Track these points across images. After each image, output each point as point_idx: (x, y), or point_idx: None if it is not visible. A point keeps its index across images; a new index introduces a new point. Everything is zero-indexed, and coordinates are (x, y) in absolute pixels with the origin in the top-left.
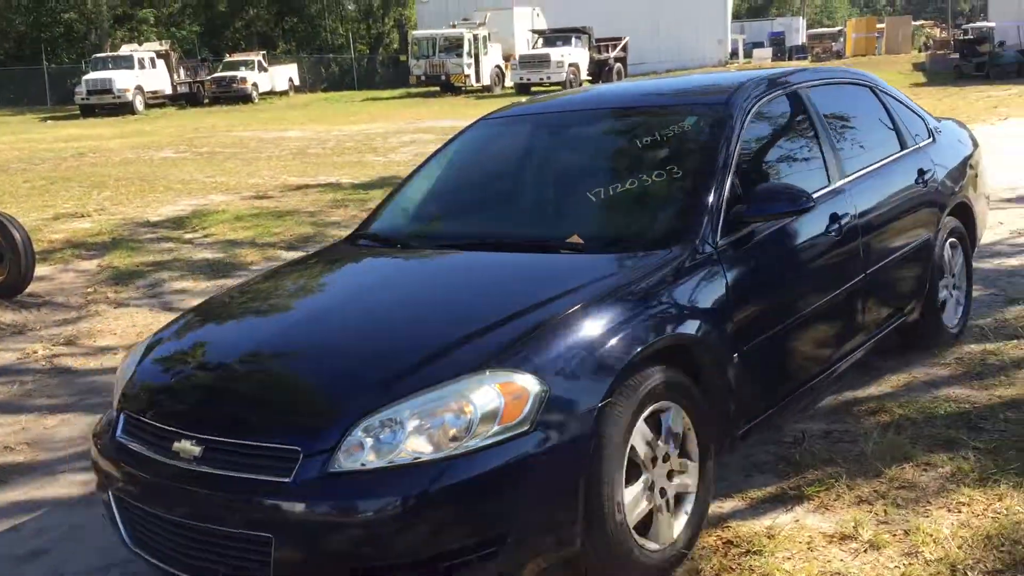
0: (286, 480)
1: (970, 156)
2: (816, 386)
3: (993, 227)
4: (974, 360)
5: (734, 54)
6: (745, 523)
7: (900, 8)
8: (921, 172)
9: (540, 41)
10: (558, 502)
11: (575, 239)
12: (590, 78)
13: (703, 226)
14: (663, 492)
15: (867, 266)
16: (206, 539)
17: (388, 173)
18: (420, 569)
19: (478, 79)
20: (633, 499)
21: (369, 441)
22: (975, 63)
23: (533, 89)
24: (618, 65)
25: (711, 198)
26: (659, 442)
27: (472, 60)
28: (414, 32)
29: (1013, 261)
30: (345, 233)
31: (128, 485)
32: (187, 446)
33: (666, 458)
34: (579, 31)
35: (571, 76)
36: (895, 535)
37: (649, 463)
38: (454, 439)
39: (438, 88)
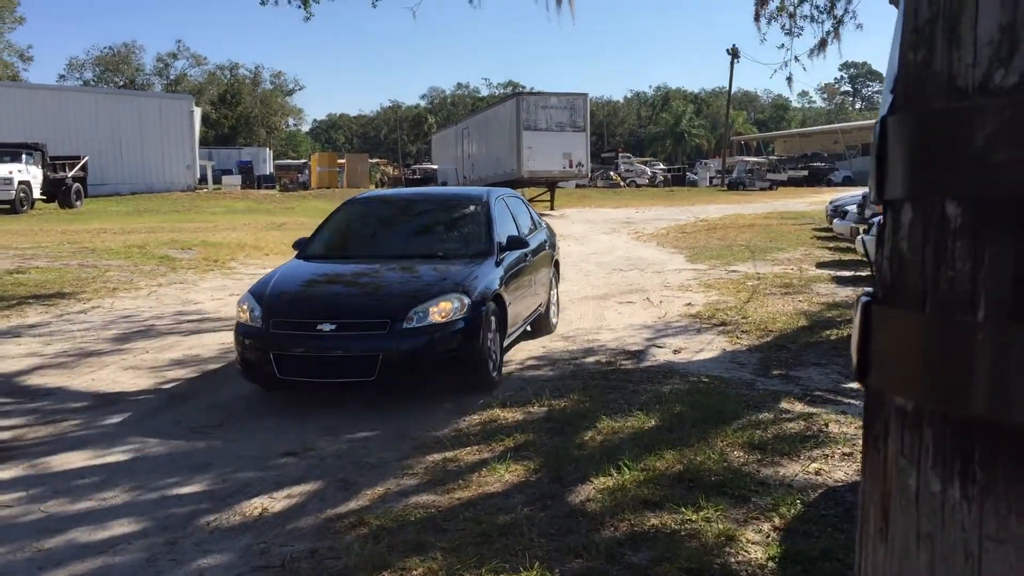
0: (383, 332)
1: (555, 237)
2: (524, 329)
3: None
4: (438, 468)
5: (203, 180)
6: None
7: (357, 146)
8: (545, 240)
9: None
10: (477, 340)
11: (440, 254)
12: (44, 197)
13: (495, 250)
14: (493, 343)
15: (534, 277)
16: (341, 361)
17: None
18: (437, 361)
19: None
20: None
21: (414, 317)
22: None
23: None
24: (77, 185)
25: (496, 239)
26: (495, 327)
27: None
28: None
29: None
30: None
31: (285, 346)
32: (326, 326)
33: (493, 333)
34: (30, 147)
35: (22, 195)
36: None
37: (492, 332)
38: (444, 316)
39: None
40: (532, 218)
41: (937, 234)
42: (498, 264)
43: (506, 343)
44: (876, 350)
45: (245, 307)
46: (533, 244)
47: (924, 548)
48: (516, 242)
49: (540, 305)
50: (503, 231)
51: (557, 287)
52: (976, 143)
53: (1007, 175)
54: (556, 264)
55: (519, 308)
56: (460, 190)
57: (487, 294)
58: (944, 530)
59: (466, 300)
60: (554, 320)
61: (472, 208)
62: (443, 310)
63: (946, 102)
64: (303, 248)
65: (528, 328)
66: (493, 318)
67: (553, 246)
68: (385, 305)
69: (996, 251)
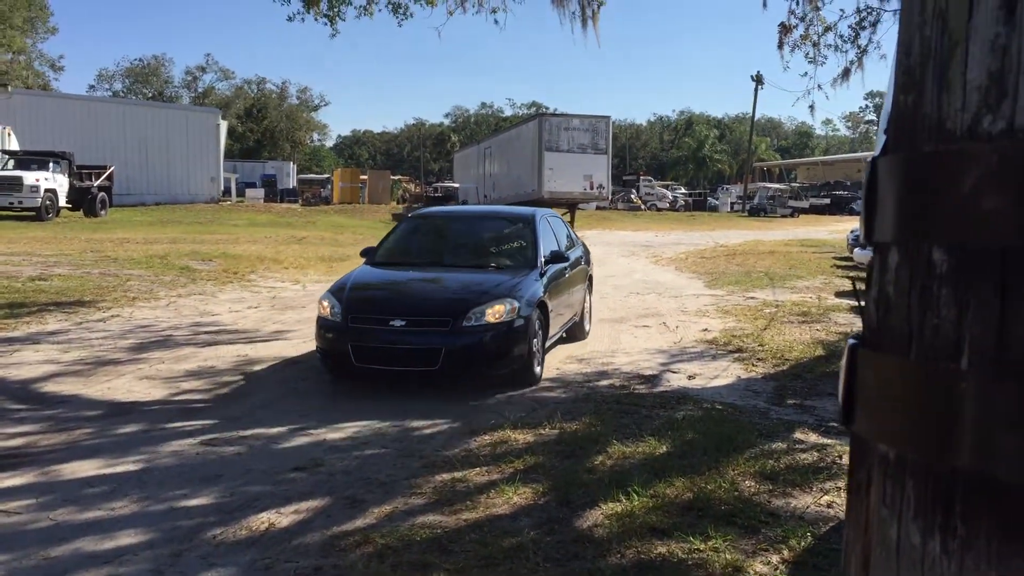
0: (446, 329)
1: (589, 253)
2: (561, 334)
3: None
4: (446, 488)
5: (227, 192)
6: None
7: (380, 162)
8: (581, 255)
9: (11, 163)
10: (524, 340)
11: (493, 264)
12: (69, 205)
13: (539, 262)
14: (536, 343)
15: (572, 288)
16: (409, 353)
17: None
18: (490, 355)
19: None
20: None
21: (472, 317)
22: None
23: (2, 214)
24: (102, 194)
25: (541, 252)
26: (538, 330)
27: None
28: None
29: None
30: None
31: (361, 338)
32: (397, 322)
33: (537, 335)
34: (58, 156)
35: (47, 202)
36: None
37: (536, 334)
38: (497, 317)
39: None
40: (570, 235)
41: (923, 279)
42: (542, 275)
43: (547, 344)
44: (861, 395)
45: (326, 304)
46: (571, 258)
47: None
48: (557, 256)
49: (576, 314)
50: (546, 246)
51: (591, 298)
52: (963, 189)
53: (993, 222)
54: (590, 278)
55: (559, 314)
56: (509, 209)
57: (533, 300)
58: None
59: (516, 304)
60: (587, 327)
61: (520, 225)
62: (496, 312)
63: (935, 146)
64: (371, 255)
65: (564, 335)
66: (537, 321)
67: (588, 262)
68: (448, 306)
69: (981, 299)
